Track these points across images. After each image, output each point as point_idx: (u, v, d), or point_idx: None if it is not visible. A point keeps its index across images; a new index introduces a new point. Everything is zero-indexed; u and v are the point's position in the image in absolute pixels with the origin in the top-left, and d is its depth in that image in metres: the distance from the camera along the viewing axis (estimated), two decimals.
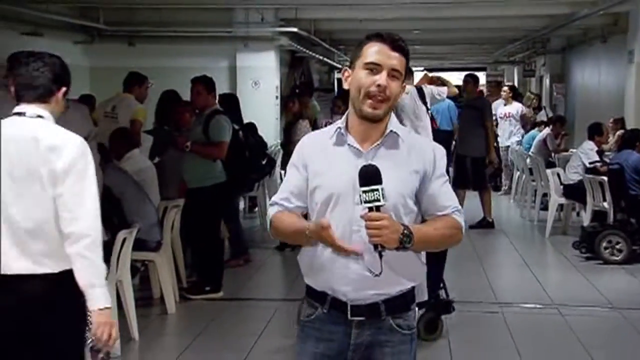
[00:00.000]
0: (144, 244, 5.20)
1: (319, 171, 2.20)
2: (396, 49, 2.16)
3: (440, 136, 8.28)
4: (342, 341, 2.22)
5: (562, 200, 8.50)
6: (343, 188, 2.15)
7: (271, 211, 2.29)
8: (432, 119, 8.07)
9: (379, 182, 2.05)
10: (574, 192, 8.23)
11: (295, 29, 11.09)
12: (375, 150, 2.19)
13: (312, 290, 2.27)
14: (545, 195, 9.09)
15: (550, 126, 10.69)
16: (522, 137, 11.55)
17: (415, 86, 8.07)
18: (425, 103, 7.85)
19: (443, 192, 2.23)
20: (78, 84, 10.02)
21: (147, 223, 5.20)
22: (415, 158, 2.21)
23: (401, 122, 8.48)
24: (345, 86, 2.23)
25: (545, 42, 14.86)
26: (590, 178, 7.88)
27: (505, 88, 12.48)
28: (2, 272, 2.55)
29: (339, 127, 2.22)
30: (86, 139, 3.72)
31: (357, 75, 2.17)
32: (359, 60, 2.18)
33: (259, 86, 11.03)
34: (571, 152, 9.79)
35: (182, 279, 6.17)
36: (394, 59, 2.15)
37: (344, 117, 2.25)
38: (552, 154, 10.30)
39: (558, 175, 8.62)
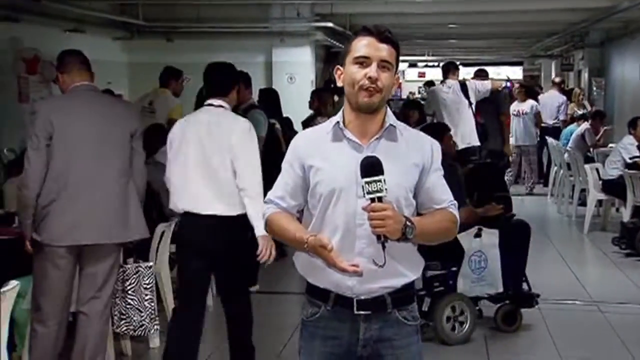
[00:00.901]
0: None
1: (319, 167, 2.20)
2: (384, 41, 2.17)
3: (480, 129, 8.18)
4: (349, 338, 2.22)
5: (601, 195, 8.37)
6: (345, 182, 2.16)
7: (267, 209, 2.30)
8: (479, 113, 8.00)
9: (381, 172, 2.07)
10: (614, 187, 8.11)
11: (330, 24, 11.10)
12: (375, 143, 2.20)
13: (314, 288, 2.26)
14: (583, 190, 8.96)
15: (589, 121, 10.52)
16: (537, 135, 11.30)
17: (459, 81, 7.99)
18: (468, 97, 7.77)
19: (440, 186, 2.26)
20: (117, 80, 10.19)
21: None
22: (414, 151, 2.22)
23: (439, 115, 8.37)
24: (339, 84, 2.24)
25: (584, 35, 14.61)
26: (631, 173, 7.75)
27: (517, 85, 12.22)
28: (204, 213, 3.70)
29: (337, 122, 2.23)
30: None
31: (348, 70, 2.19)
32: (349, 56, 2.19)
33: (294, 81, 11.06)
34: (610, 147, 9.63)
35: None
36: (383, 51, 2.16)
37: (339, 113, 2.25)
38: (591, 149, 10.15)
39: (597, 170, 8.50)
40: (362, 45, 2.16)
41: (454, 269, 4.74)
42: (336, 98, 9.24)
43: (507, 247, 4.80)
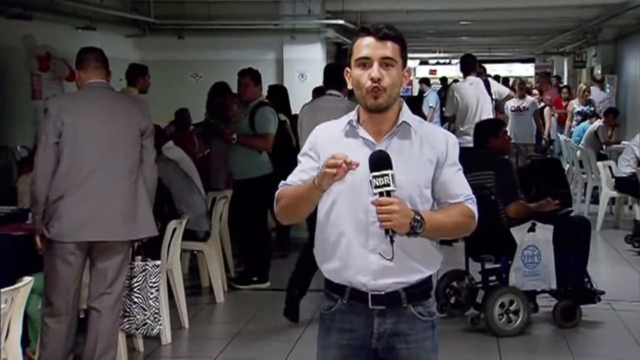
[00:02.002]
0: (193, 234, 5.29)
1: None
2: (383, 38, 2.16)
3: None
4: (364, 331, 2.24)
5: (614, 193, 8.31)
6: (358, 180, 2.16)
7: (279, 190, 2.31)
8: (497, 111, 7.95)
9: (389, 167, 2.07)
10: (627, 185, 8.05)
11: (341, 21, 11.10)
12: (387, 141, 2.20)
13: (330, 282, 2.29)
14: (595, 188, 8.90)
15: (602, 118, 10.44)
16: (536, 134, 10.65)
17: (482, 78, 7.96)
18: (491, 94, 7.75)
19: (455, 180, 2.24)
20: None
21: (195, 213, 5.28)
22: (428, 147, 2.22)
23: (463, 112, 8.40)
24: (349, 87, 2.25)
25: (597, 32, 14.52)
26: None
27: (516, 81, 11.94)
28: None
29: (351, 120, 2.24)
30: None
31: (354, 73, 2.20)
32: (352, 58, 2.20)
33: (305, 78, 11.07)
34: (623, 144, 9.56)
35: (230, 269, 6.25)
36: (383, 48, 2.15)
37: (355, 110, 2.26)
38: (604, 146, 10.07)
39: (610, 167, 8.44)
40: (362, 46, 2.17)
41: (507, 262, 4.79)
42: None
43: (564, 243, 4.80)
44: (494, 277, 4.98)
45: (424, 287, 2.26)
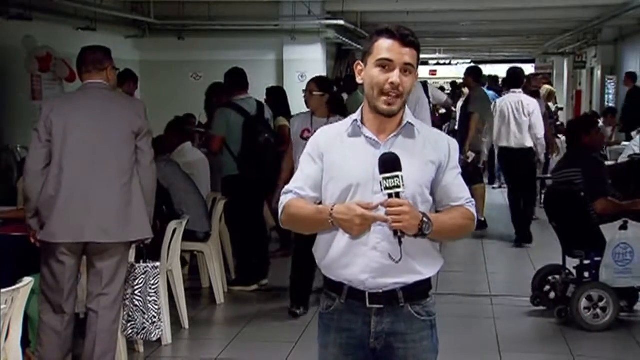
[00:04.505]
0: (193, 234, 5.29)
1: (336, 162, 2.23)
2: (407, 45, 2.17)
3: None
4: (362, 330, 2.25)
5: None
6: (362, 178, 2.18)
7: (284, 198, 2.30)
8: (435, 113, 8.00)
9: (399, 169, 2.09)
10: None
11: (341, 22, 11.10)
12: (392, 140, 2.22)
13: (329, 281, 2.30)
14: None
15: (602, 118, 10.45)
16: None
17: (420, 81, 8.03)
18: (428, 97, 7.85)
19: (457, 184, 2.27)
20: None
21: (195, 214, 5.28)
22: (430, 149, 2.24)
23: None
24: (359, 80, 2.25)
25: (597, 32, 14.53)
26: None
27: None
28: None
29: (355, 120, 2.25)
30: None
31: (369, 72, 2.19)
32: (371, 57, 2.19)
33: (305, 79, 11.05)
34: (623, 144, 9.56)
35: (230, 270, 6.24)
36: (406, 54, 2.16)
37: (359, 110, 2.27)
38: (604, 147, 10.05)
39: None
40: (385, 48, 2.16)
41: (596, 258, 4.84)
42: (345, 96, 9.19)
43: None
44: (587, 274, 5.03)
45: (423, 287, 2.28)
